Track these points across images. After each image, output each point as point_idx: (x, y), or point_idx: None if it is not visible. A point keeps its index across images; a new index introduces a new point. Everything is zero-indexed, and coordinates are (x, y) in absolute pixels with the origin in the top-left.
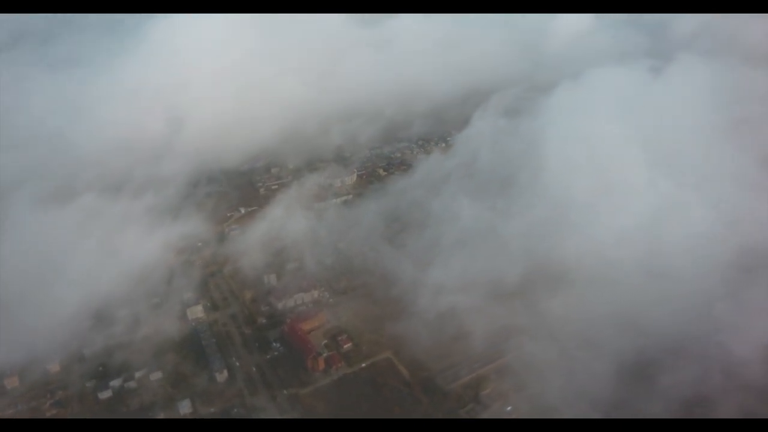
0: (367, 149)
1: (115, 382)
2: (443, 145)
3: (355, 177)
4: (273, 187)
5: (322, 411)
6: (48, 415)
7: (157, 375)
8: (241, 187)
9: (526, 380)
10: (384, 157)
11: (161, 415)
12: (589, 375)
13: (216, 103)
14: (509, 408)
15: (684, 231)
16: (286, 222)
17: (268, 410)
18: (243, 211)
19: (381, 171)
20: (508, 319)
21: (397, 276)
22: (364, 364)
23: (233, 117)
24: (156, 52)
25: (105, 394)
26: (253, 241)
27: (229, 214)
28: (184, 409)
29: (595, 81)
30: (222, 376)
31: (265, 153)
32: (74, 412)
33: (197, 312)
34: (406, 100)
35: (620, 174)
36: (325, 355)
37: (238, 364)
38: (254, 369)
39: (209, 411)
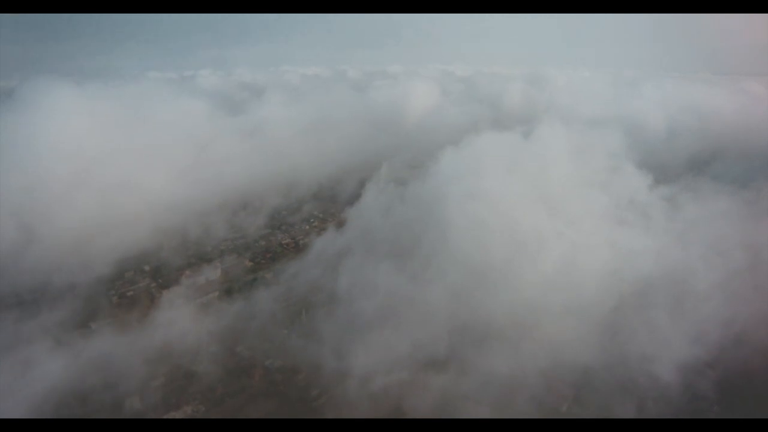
0: (230, 240)
1: None
2: (334, 222)
3: (219, 272)
4: (128, 293)
5: None
6: None
7: None
8: (91, 298)
9: None
10: (246, 248)
11: None
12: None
13: (75, 208)
14: None
15: (593, 272)
16: (145, 332)
17: None
18: (93, 326)
19: (247, 262)
20: (439, 387)
21: (280, 367)
22: None
23: (97, 222)
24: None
25: None
26: (108, 361)
27: (78, 332)
28: None
29: (476, 145)
30: None
31: (142, 256)
32: None
33: None
34: (289, 184)
35: (527, 227)
36: None
37: None
38: None
39: None
